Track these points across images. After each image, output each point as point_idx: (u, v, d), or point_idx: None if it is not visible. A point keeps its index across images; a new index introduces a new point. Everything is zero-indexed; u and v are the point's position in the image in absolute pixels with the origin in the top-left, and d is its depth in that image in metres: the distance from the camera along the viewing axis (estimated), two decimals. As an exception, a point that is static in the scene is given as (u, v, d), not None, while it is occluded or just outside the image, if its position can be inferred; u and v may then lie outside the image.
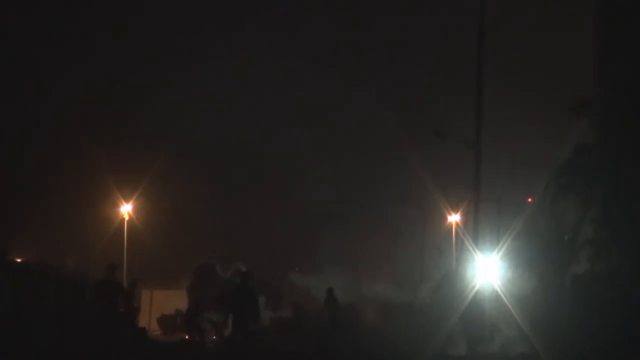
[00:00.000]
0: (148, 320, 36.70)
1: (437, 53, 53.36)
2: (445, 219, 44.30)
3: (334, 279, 36.08)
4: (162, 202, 44.30)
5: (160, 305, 38.80)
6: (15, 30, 53.28)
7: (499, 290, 27.68)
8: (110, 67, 52.65)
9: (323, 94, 53.24)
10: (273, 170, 53.07)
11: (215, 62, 51.52)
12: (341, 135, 53.33)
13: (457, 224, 41.50)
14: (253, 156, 53.70)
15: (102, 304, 22.40)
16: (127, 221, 39.43)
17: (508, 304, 26.79)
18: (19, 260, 30.95)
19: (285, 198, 51.00)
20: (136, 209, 40.66)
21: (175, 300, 37.21)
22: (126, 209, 39.68)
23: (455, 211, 41.69)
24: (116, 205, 40.10)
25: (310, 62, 51.64)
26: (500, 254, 29.45)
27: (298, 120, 52.68)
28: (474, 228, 28.37)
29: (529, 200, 32.78)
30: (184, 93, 52.01)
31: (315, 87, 52.53)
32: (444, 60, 51.19)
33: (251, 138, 53.49)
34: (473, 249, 28.10)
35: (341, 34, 54.00)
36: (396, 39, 56.94)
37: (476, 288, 27.28)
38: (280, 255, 45.81)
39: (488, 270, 28.59)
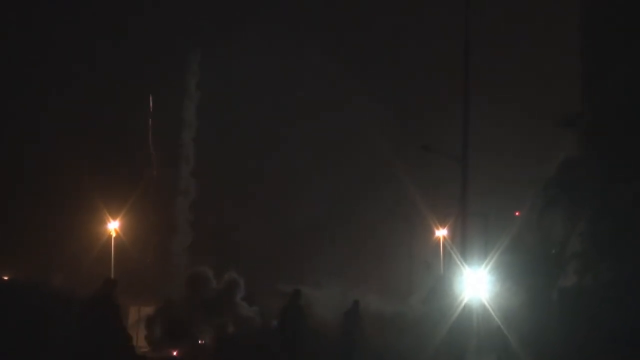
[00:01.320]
0: (136, 336, 36.61)
1: (428, 67, 53.40)
2: (433, 233, 44.47)
3: (328, 289, 36.18)
4: (153, 214, 44.57)
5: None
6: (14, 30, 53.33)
7: (486, 304, 27.68)
8: (102, 72, 52.43)
9: (317, 99, 53.35)
10: (267, 181, 53.02)
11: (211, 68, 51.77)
12: (334, 146, 53.47)
13: (444, 238, 41.63)
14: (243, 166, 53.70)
15: (93, 319, 22.45)
16: (115, 238, 39.65)
17: (496, 317, 26.79)
18: (5, 277, 31.14)
19: (277, 212, 51.13)
20: (125, 223, 40.87)
21: (163, 315, 37.13)
22: (113, 226, 39.95)
23: (443, 226, 41.89)
24: (104, 222, 40.32)
25: (303, 70, 51.83)
26: (488, 268, 29.45)
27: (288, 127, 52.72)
28: (462, 242, 28.23)
29: (517, 214, 32.93)
30: (177, 96, 52.08)
31: (310, 91, 52.63)
32: (434, 74, 51.21)
33: (239, 151, 53.53)
34: (461, 263, 28.00)
35: (335, 45, 54.15)
36: (386, 53, 56.88)
37: (464, 302, 27.23)
38: (275, 263, 45.87)
39: (476, 284, 28.58)
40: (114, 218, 40.09)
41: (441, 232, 42.55)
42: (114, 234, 39.45)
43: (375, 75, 54.84)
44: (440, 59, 46.30)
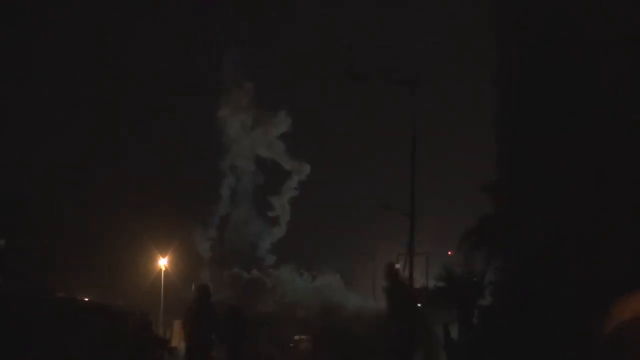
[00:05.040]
0: (178, 343, 37.75)
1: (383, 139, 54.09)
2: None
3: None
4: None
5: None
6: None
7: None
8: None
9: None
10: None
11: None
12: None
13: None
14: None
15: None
16: (164, 271, 40.25)
17: (433, 329, 28.60)
18: (85, 299, 32.63)
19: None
20: (172, 259, 41.21)
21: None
22: (163, 262, 40.63)
23: (396, 261, 43.42)
24: (155, 259, 40.96)
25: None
26: (429, 292, 31.47)
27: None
28: (409, 273, 30.18)
29: (450, 253, 34.90)
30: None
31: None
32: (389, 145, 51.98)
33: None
34: (409, 288, 29.86)
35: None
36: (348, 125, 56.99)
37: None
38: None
39: (419, 304, 30.37)
40: (163, 256, 40.68)
41: (395, 267, 44.19)
42: (163, 269, 40.60)
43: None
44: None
